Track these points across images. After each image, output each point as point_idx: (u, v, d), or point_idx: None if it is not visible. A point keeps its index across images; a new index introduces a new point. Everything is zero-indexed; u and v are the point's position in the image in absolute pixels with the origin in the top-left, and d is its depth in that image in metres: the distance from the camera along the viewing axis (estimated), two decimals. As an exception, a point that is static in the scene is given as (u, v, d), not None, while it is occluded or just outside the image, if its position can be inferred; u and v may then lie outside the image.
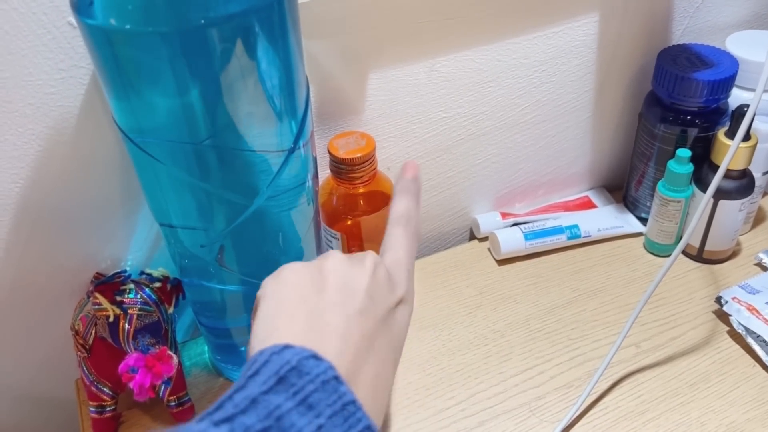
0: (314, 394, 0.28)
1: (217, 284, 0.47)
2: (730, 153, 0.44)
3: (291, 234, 0.46)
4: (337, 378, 0.28)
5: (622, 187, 0.69)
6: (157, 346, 0.44)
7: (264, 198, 0.41)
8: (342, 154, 0.50)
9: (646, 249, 0.64)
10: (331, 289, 0.34)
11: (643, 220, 0.65)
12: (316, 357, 0.29)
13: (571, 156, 0.66)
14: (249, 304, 0.48)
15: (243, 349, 0.52)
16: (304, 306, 0.33)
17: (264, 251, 0.46)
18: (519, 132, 0.62)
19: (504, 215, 0.66)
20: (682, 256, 0.62)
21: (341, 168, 0.51)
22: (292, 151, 0.41)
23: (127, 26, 0.34)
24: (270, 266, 0.46)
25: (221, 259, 0.45)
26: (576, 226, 0.63)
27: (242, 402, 0.27)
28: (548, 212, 0.66)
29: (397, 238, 0.38)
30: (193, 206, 0.42)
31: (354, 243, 0.55)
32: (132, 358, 0.43)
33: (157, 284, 0.48)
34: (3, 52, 0.41)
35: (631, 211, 0.66)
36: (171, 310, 0.48)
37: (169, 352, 0.43)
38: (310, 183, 0.45)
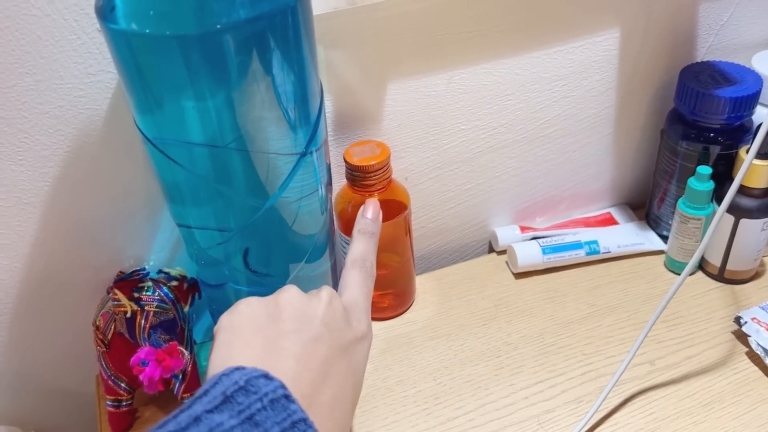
0: (261, 412, 0.28)
1: (232, 285, 0.48)
2: (743, 169, 0.43)
3: (303, 239, 0.47)
4: (287, 396, 0.29)
5: (645, 204, 0.68)
6: (168, 342, 0.46)
7: (275, 200, 0.42)
8: (356, 161, 0.51)
9: (666, 267, 0.63)
10: (287, 318, 0.35)
11: (665, 238, 0.64)
12: (267, 376, 0.29)
13: (593, 172, 0.66)
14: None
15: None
16: (260, 334, 0.34)
17: (276, 255, 0.47)
18: (539, 146, 0.62)
19: (523, 229, 0.66)
20: (702, 275, 0.61)
21: (355, 175, 0.52)
22: (303, 155, 0.42)
23: (147, 30, 0.36)
24: (282, 269, 0.47)
25: (247, 262, 0.46)
26: (595, 242, 0.62)
27: (185, 420, 0.27)
28: (568, 227, 0.66)
29: (353, 279, 0.40)
30: (209, 207, 0.43)
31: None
32: (143, 351, 0.44)
33: (174, 283, 0.49)
34: (36, 56, 0.43)
35: (654, 229, 0.66)
36: (187, 309, 0.50)
37: (180, 348, 0.44)
38: (323, 190, 0.46)
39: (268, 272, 0.47)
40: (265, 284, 0.47)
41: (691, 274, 0.62)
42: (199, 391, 0.29)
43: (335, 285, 0.53)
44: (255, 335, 0.33)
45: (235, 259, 0.46)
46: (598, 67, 0.59)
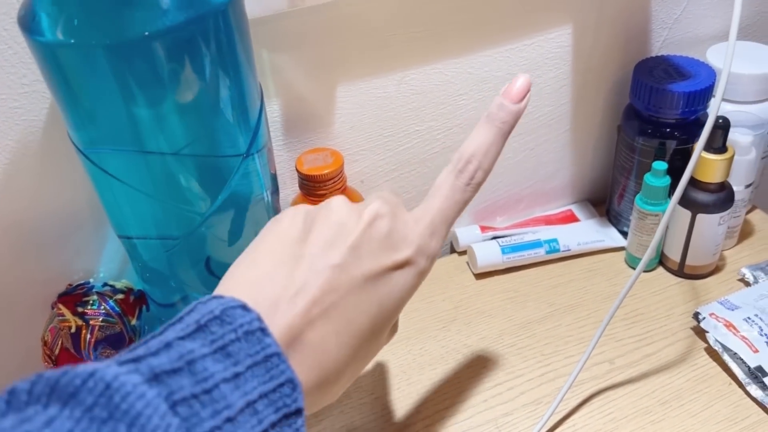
0: (235, 343, 0.27)
1: (178, 296, 0.47)
2: (691, 163, 0.43)
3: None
4: (263, 330, 0.28)
5: (606, 200, 0.68)
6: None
7: (216, 207, 0.41)
8: (307, 170, 0.50)
9: (627, 264, 0.62)
10: (314, 238, 0.32)
11: (626, 234, 0.64)
12: (244, 307, 0.28)
13: (552, 169, 0.65)
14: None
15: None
16: (275, 253, 0.32)
17: (220, 265, 0.46)
18: (496, 145, 0.61)
19: (483, 228, 0.65)
20: (663, 271, 0.61)
21: (307, 184, 0.51)
22: (244, 159, 0.41)
23: (72, 40, 0.35)
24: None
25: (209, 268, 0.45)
26: (555, 240, 0.62)
27: (155, 345, 0.26)
28: (529, 226, 0.66)
29: (442, 184, 0.34)
30: (148, 217, 0.42)
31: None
32: (84, 369, 0.43)
33: (120, 296, 0.48)
34: (-35, 67, 0.42)
35: (614, 225, 0.65)
36: (134, 322, 0.48)
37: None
38: (269, 198, 0.46)
39: (215, 283, 0.46)
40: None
41: (651, 270, 0.61)
42: (174, 318, 0.28)
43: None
44: (270, 253, 0.32)
45: (181, 271, 0.45)
46: (552, 64, 0.58)
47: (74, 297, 0.47)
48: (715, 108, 0.41)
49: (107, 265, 0.53)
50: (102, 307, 0.47)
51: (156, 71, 0.36)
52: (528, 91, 0.36)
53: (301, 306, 0.30)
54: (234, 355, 0.27)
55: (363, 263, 0.31)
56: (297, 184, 0.52)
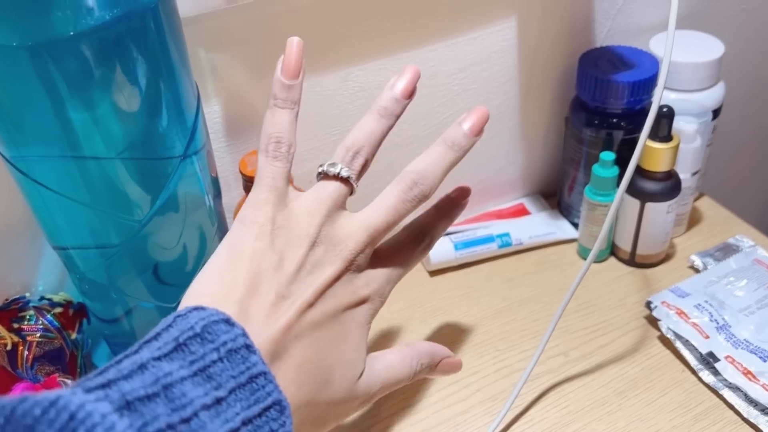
0: (216, 364, 0.25)
1: (121, 309, 0.45)
2: (636, 152, 0.43)
3: (193, 255, 0.44)
4: (248, 346, 0.26)
5: (557, 193, 0.68)
6: (51, 374, 0.43)
7: (154, 212, 0.40)
8: (250, 171, 0.48)
9: (579, 255, 0.63)
10: (287, 270, 0.32)
11: (577, 226, 0.64)
12: (228, 322, 0.26)
13: (502, 163, 0.65)
14: (157, 321, 0.47)
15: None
16: (253, 261, 0.31)
17: (164, 272, 0.44)
18: (445, 140, 0.61)
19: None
20: (615, 261, 0.62)
21: (251, 186, 0.49)
22: (182, 161, 0.40)
23: (-7, 42, 0.33)
24: (172, 287, 0.45)
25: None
26: (507, 234, 0.62)
27: (128, 367, 0.24)
28: (482, 221, 0.65)
29: (385, 197, 0.36)
30: (83, 225, 0.40)
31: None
32: (18, 388, 0.41)
33: (59, 309, 0.46)
34: None
35: (566, 217, 0.66)
36: (75, 336, 0.46)
37: (62, 379, 0.41)
38: (211, 202, 0.44)
39: (156, 292, 0.44)
40: (155, 306, 0.45)
41: (603, 260, 0.62)
42: (151, 333, 0.26)
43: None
44: (244, 271, 0.31)
45: (125, 281, 0.43)
46: (498, 58, 0.58)
47: (9, 313, 0.45)
48: (658, 97, 0.41)
49: (46, 278, 0.51)
50: (39, 321, 0.45)
51: (83, 73, 0.34)
52: (486, 121, 0.38)
53: (281, 326, 0.29)
54: (215, 378, 0.25)
55: (335, 299, 0.33)
56: (242, 187, 0.51)
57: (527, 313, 0.57)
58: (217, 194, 0.45)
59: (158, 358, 0.24)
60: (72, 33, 0.33)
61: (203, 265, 0.44)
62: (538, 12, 0.57)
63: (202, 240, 0.44)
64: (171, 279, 0.45)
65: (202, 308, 0.27)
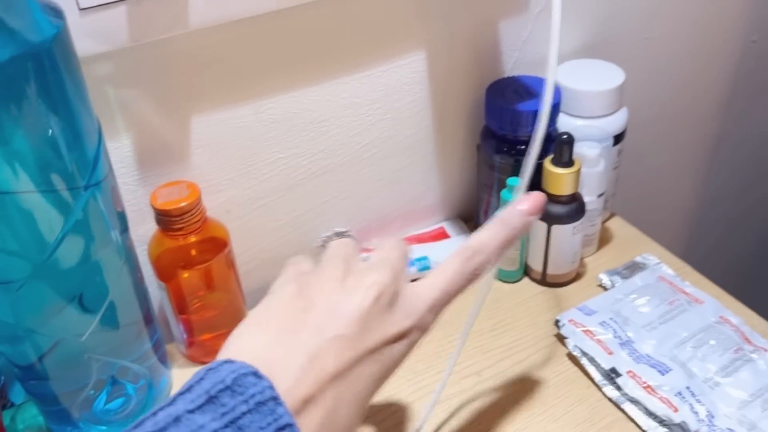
0: (246, 416, 0.26)
1: (30, 347, 0.45)
2: (527, 174, 0.44)
3: (100, 291, 0.45)
4: (275, 399, 0.27)
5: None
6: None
7: (55, 248, 0.40)
8: (161, 204, 0.49)
9: (496, 277, 0.65)
10: (317, 306, 0.32)
11: (494, 248, 0.66)
12: (256, 374, 0.27)
13: (421, 189, 0.67)
14: (72, 363, 0.46)
15: (77, 416, 0.49)
16: (281, 317, 0.32)
17: (72, 310, 0.44)
18: (363, 168, 0.62)
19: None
20: (528, 281, 0.64)
21: (163, 219, 0.50)
22: (83, 192, 0.40)
23: None
24: (77, 324, 0.45)
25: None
26: (425, 258, 0.63)
27: (164, 419, 0.25)
28: (402, 245, 0.67)
29: (447, 267, 0.36)
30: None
31: (196, 295, 0.54)
32: None
33: (-35, 348, 0.46)
34: None
35: (483, 240, 0.68)
36: (-18, 375, 0.46)
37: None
38: (117, 237, 0.45)
39: (63, 331, 0.44)
40: (64, 343, 0.45)
41: (517, 281, 0.64)
42: (184, 386, 0.27)
43: (153, 338, 0.51)
44: (275, 318, 0.32)
45: (40, 317, 0.43)
46: (409, 89, 0.60)
47: None
48: (542, 127, 0.43)
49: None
50: (-56, 361, 0.44)
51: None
52: (544, 205, 0.40)
53: (315, 376, 0.29)
54: (245, 429, 0.26)
55: (366, 336, 0.32)
56: (155, 220, 0.51)
57: (443, 335, 0.59)
58: (124, 229, 0.46)
59: (192, 411, 0.26)
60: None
61: (115, 301, 0.45)
62: (446, 45, 0.59)
63: (110, 275, 0.45)
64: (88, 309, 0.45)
65: (232, 361, 0.28)
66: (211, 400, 0.26)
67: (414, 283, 0.36)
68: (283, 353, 0.30)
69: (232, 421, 0.26)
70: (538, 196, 0.40)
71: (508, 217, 0.39)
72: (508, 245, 0.38)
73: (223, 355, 0.31)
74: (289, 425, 0.27)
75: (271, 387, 0.27)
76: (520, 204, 0.39)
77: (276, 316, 0.32)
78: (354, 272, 0.34)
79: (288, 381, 0.29)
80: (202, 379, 0.27)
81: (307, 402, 0.29)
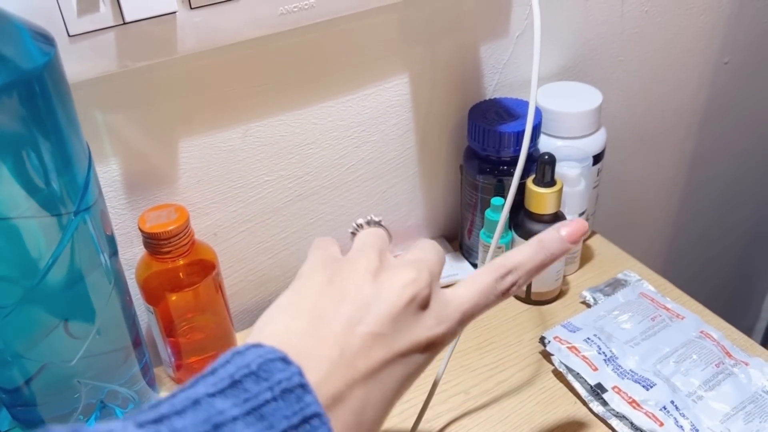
0: (270, 403, 0.24)
1: (17, 372, 0.45)
2: (511, 194, 0.46)
3: (89, 315, 0.45)
4: (303, 386, 0.25)
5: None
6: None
7: (45, 273, 0.40)
8: (149, 228, 0.49)
9: (480, 295, 0.65)
10: (351, 298, 0.30)
11: (477, 267, 0.67)
12: (284, 360, 0.26)
13: (405, 210, 0.68)
14: (60, 388, 0.46)
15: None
16: (316, 305, 0.30)
17: (60, 335, 0.44)
18: (348, 190, 0.63)
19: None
20: (512, 299, 0.65)
21: (151, 242, 0.50)
22: (73, 217, 0.40)
23: None
24: (65, 349, 0.45)
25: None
26: (411, 278, 0.64)
27: (182, 402, 0.24)
28: (388, 266, 0.67)
29: (479, 279, 0.34)
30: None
31: (184, 318, 0.54)
32: None
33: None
34: None
35: (467, 259, 0.69)
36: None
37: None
38: (107, 261, 0.45)
39: (51, 355, 0.44)
40: (53, 366, 0.45)
41: (502, 299, 0.65)
42: (208, 368, 0.26)
43: (142, 361, 0.50)
44: (307, 304, 0.30)
45: (28, 341, 0.43)
46: (393, 112, 0.61)
47: None
48: (525, 148, 0.44)
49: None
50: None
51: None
52: (585, 233, 0.39)
53: (345, 373, 0.28)
54: (268, 417, 0.24)
55: (398, 338, 0.30)
56: (142, 244, 0.51)
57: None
58: (114, 252, 0.46)
59: (212, 395, 0.24)
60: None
61: (104, 325, 0.45)
62: (429, 69, 0.61)
63: (98, 298, 0.45)
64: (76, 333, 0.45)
65: (260, 345, 0.26)
66: (235, 384, 0.25)
67: (446, 289, 0.34)
68: (313, 343, 0.28)
69: (255, 408, 0.24)
70: (580, 224, 0.38)
71: (548, 242, 0.37)
72: (542, 270, 0.37)
73: (252, 338, 0.29)
74: (317, 415, 0.25)
75: (300, 373, 0.25)
76: (562, 229, 0.38)
77: (307, 303, 0.30)
78: (387, 267, 0.32)
79: (318, 374, 0.27)
80: (227, 362, 0.26)
81: (336, 400, 0.27)
